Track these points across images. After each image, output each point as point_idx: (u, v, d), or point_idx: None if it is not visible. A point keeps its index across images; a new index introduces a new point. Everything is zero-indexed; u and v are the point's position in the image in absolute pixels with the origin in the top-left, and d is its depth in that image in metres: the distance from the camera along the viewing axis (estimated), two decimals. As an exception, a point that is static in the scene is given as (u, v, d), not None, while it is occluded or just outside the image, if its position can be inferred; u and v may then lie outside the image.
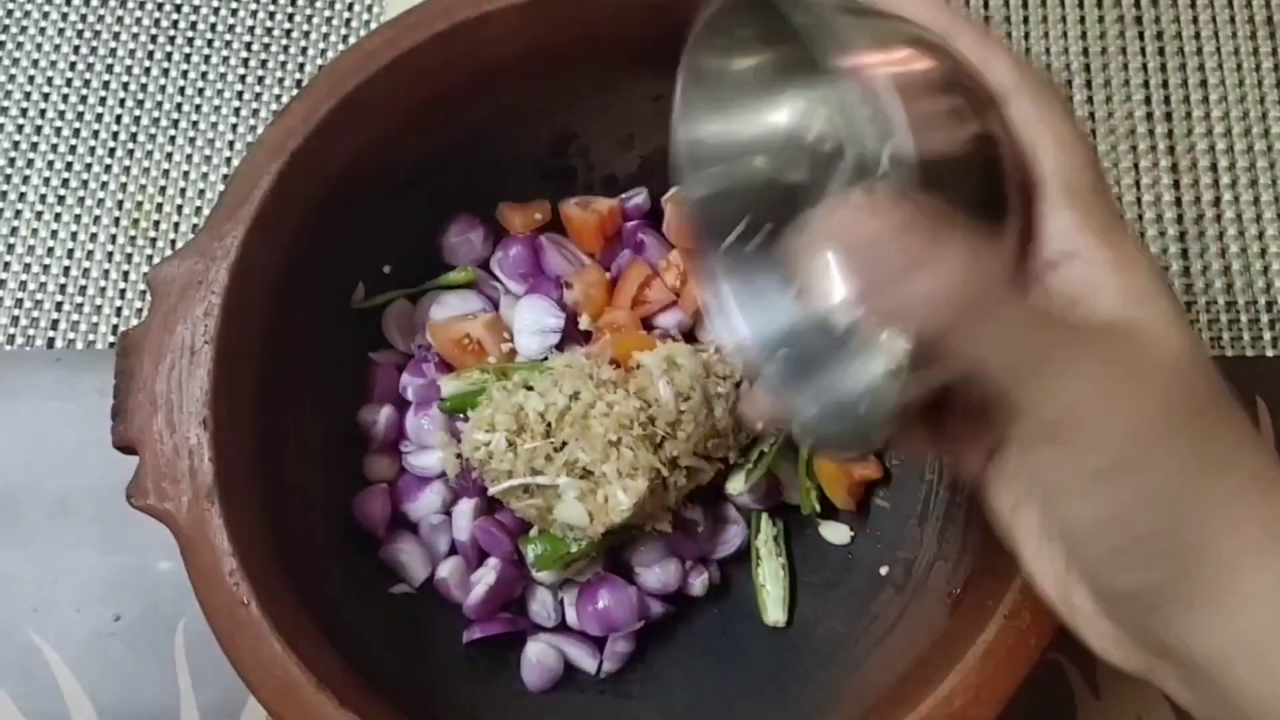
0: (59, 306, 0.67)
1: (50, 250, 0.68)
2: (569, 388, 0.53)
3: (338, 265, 0.58)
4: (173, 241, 0.68)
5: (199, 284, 0.49)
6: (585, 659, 0.57)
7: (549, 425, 0.53)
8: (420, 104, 0.55)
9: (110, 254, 0.68)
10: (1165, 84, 0.71)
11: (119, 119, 0.70)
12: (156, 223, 0.69)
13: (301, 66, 0.71)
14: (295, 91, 0.69)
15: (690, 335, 0.61)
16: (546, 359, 0.58)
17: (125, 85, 0.71)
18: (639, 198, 0.62)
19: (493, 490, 0.54)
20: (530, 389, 0.54)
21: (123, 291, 0.68)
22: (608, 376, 0.54)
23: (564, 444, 0.53)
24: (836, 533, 0.59)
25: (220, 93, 0.71)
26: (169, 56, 0.72)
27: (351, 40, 0.72)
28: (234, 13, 0.72)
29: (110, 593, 0.63)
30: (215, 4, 0.72)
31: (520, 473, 0.53)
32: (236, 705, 0.61)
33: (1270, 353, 0.66)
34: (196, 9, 0.72)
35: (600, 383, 0.54)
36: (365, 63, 0.52)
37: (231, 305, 0.50)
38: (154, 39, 0.72)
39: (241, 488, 0.49)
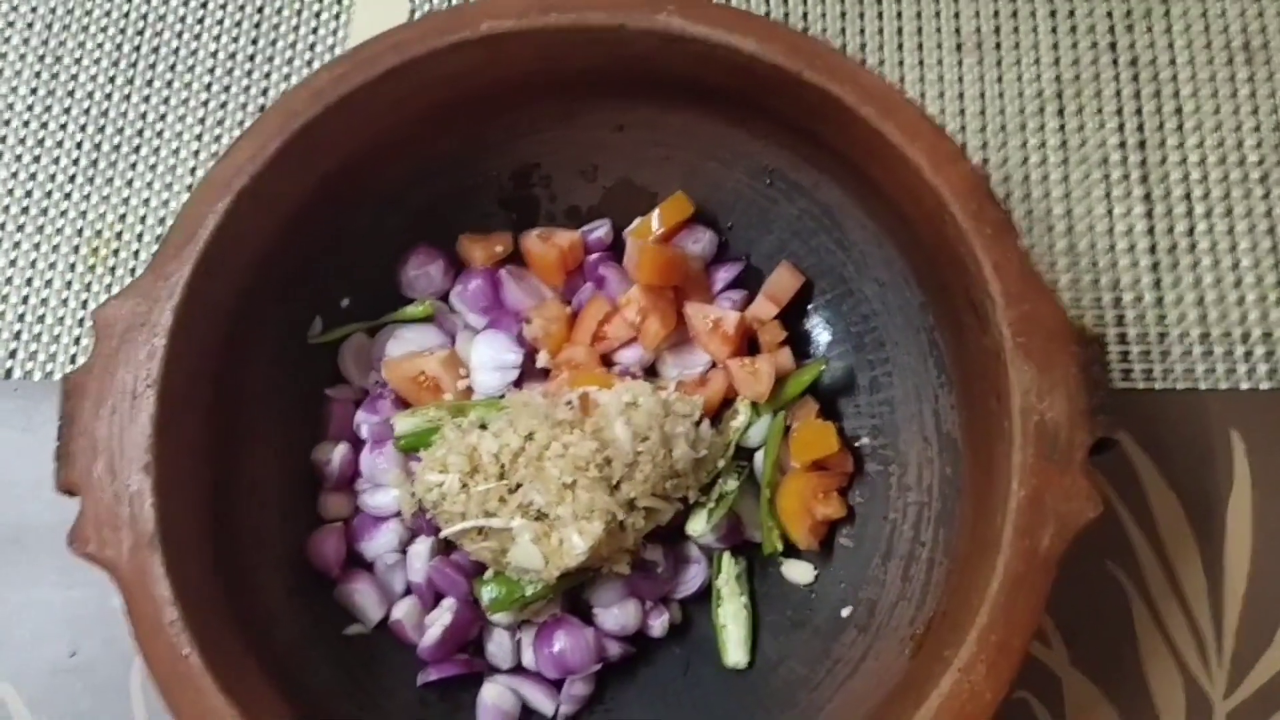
0: (17, 336, 0.66)
1: (9, 279, 0.67)
2: (524, 427, 0.53)
3: (293, 300, 0.57)
4: (133, 270, 0.67)
5: (141, 325, 0.48)
6: (543, 701, 0.56)
7: (503, 466, 0.52)
8: (374, 139, 0.55)
9: (69, 283, 0.67)
10: (1139, 111, 0.70)
11: (80, 145, 0.69)
12: (116, 251, 0.68)
13: (265, 92, 0.71)
14: (253, 121, 0.68)
15: (651, 371, 0.60)
16: (503, 396, 0.57)
17: (87, 110, 0.70)
18: (601, 230, 0.61)
19: (445, 532, 0.53)
20: (485, 428, 0.54)
21: (81, 321, 0.67)
22: (564, 416, 0.53)
23: (518, 485, 0.52)
24: (799, 572, 0.58)
25: (182, 118, 0.70)
26: (131, 82, 0.71)
27: (315, 64, 0.71)
28: (197, 37, 0.72)
29: (66, 628, 0.62)
30: (178, 31, 0.72)
31: (473, 514, 0.52)
32: (192, 745, 0.60)
33: (1244, 385, 0.65)
34: (159, 35, 0.72)
35: (556, 423, 0.53)
36: (314, 101, 0.51)
37: (176, 347, 0.49)
38: (116, 64, 0.71)
39: (186, 533, 0.48)
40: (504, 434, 0.53)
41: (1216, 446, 0.64)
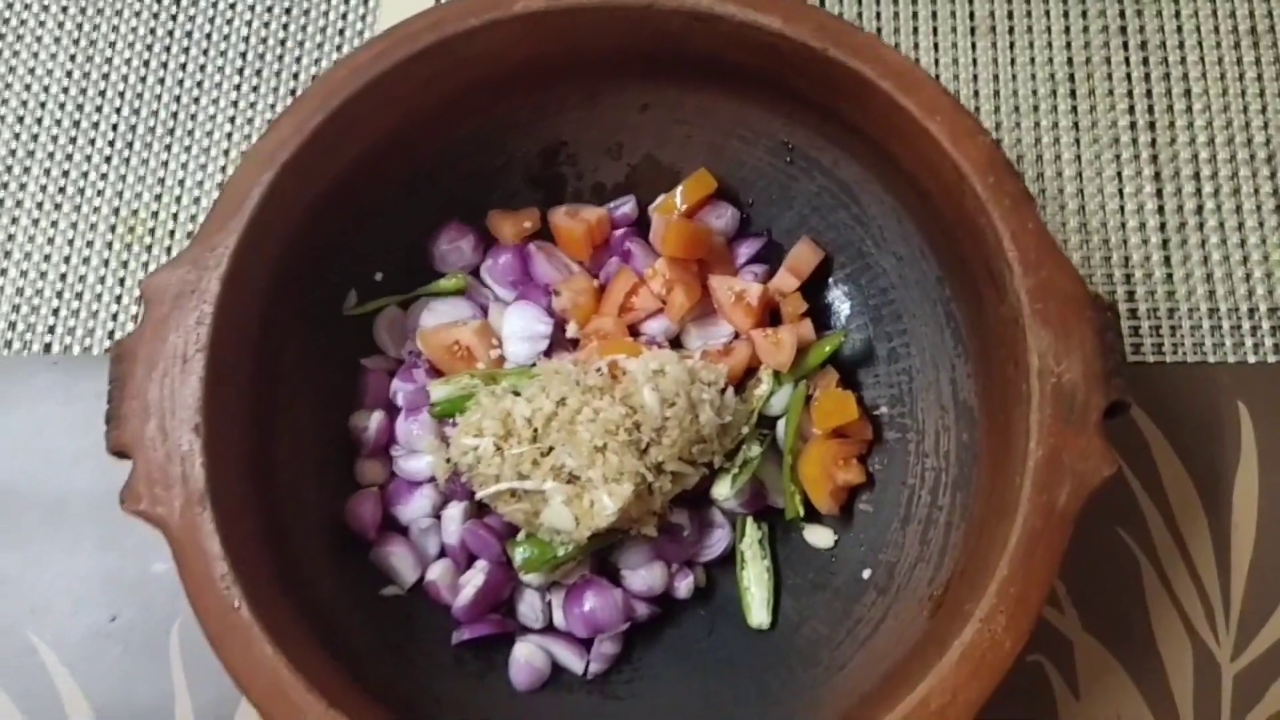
0: (56, 312, 0.68)
1: (48, 256, 0.69)
2: (556, 393, 0.54)
3: (329, 273, 0.59)
4: (168, 249, 0.69)
5: (191, 293, 0.50)
6: (573, 660, 0.58)
7: (536, 431, 0.54)
8: (409, 116, 0.56)
9: (107, 260, 0.69)
10: (1149, 93, 0.71)
11: (115, 127, 0.71)
12: (152, 229, 0.70)
13: (296, 75, 0.72)
14: (289, 101, 0.70)
15: (676, 342, 0.62)
16: (534, 365, 0.59)
17: (122, 94, 0.72)
18: (627, 206, 0.63)
19: (480, 494, 0.55)
20: (518, 394, 0.55)
21: (119, 298, 0.68)
22: (594, 383, 0.55)
23: (550, 449, 0.54)
24: (820, 536, 0.60)
25: (215, 101, 0.72)
26: (165, 65, 0.73)
27: (345, 50, 0.73)
28: (229, 22, 0.73)
29: (106, 594, 0.64)
30: (210, 14, 0.73)
31: (507, 477, 0.54)
32: (230, 705, 0.62)
33: (1252, 359, 0.67)
34: (192, 19, 0.73)
35: (587, 389, 0.55)
36: (353, 77, 0.53)
37: (223, 314, 0.50)
38: (150, 48, 0.73)
39: (233, 493, 0.50)
40: (536, 399, 0.54)
41: (1224, 418, 0.66)
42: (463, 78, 0.56)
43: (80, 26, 0.73)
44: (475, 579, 0.57)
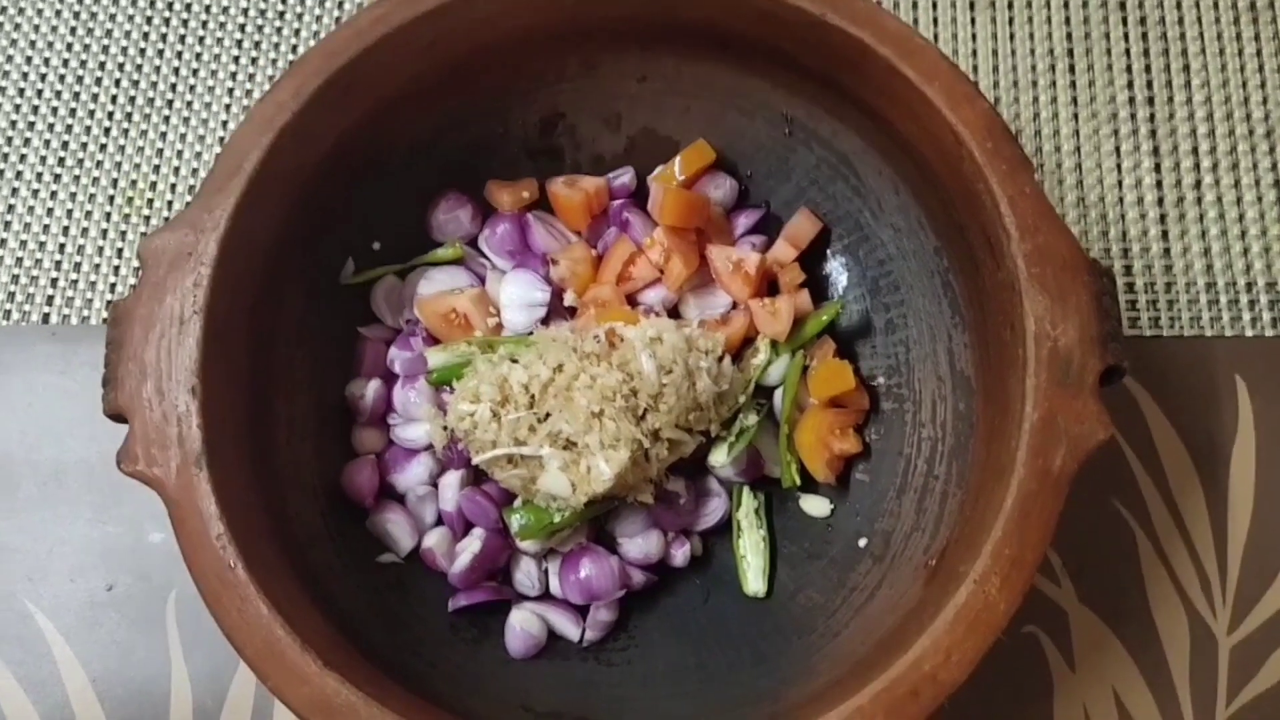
0: (54, 283, 0.68)
1: (46, 227, 0.69)
2: (553, 360, 0.54)
3: (327, 241, 0.59)
4: (166, 219, 0.69)
5: (188, 255, 0.50)
6: (569, 627, 0.58)
7: (533, 397, 0.54)
8: (409, 82, 0.56)
9: (105, 231, 0.69)
10: (1148, 68, 0.71)
11: (114, 98, 0.71)
12: (150, 200, 0.70)
13: (294, 47, 0.72)
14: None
15: (674, 311, 0.62)
16: (532, 333, 0.59)
17: (121, 66, 0.72)
18: (625, 177, 0.63)
19: (477, 460, 0.55)
20: (515, 361, 0.55)
21: (117, 268, 0.69)
22: (591, 349, 0.55)
23: (547, 415, 0.54)
24: (817, 506, 0.60)
25: (214, 72, 0.72)
26: (164, 36, 0.73)
27: (342, 19, 0.73)
28: (228, -6, 0.73)
29: (103, 563, 0.64)
30: (210, -14, 0.74)
31: (504, 443, 0.54)
32: (227, 673, 0.62)
33: (1250, 332, 0.67)
34: (191, -9, 0.73)
35: (584, 355, 0.55)
36: (354, 40, 0.53)
37: (220, 277, 0.50)
38: (149, 20, 0.73)
39: (230, 455, 0.50)
40: (533, 366, 0.54)
41: (1222, 391, 0.66)
42: (463, 43, 0.56)
43: (81, 1, 0.73)
44: (472, 546, 0.57)
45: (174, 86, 0.72)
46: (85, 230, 0.69)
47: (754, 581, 0.58)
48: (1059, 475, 0.47)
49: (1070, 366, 0.48)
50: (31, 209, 0.69)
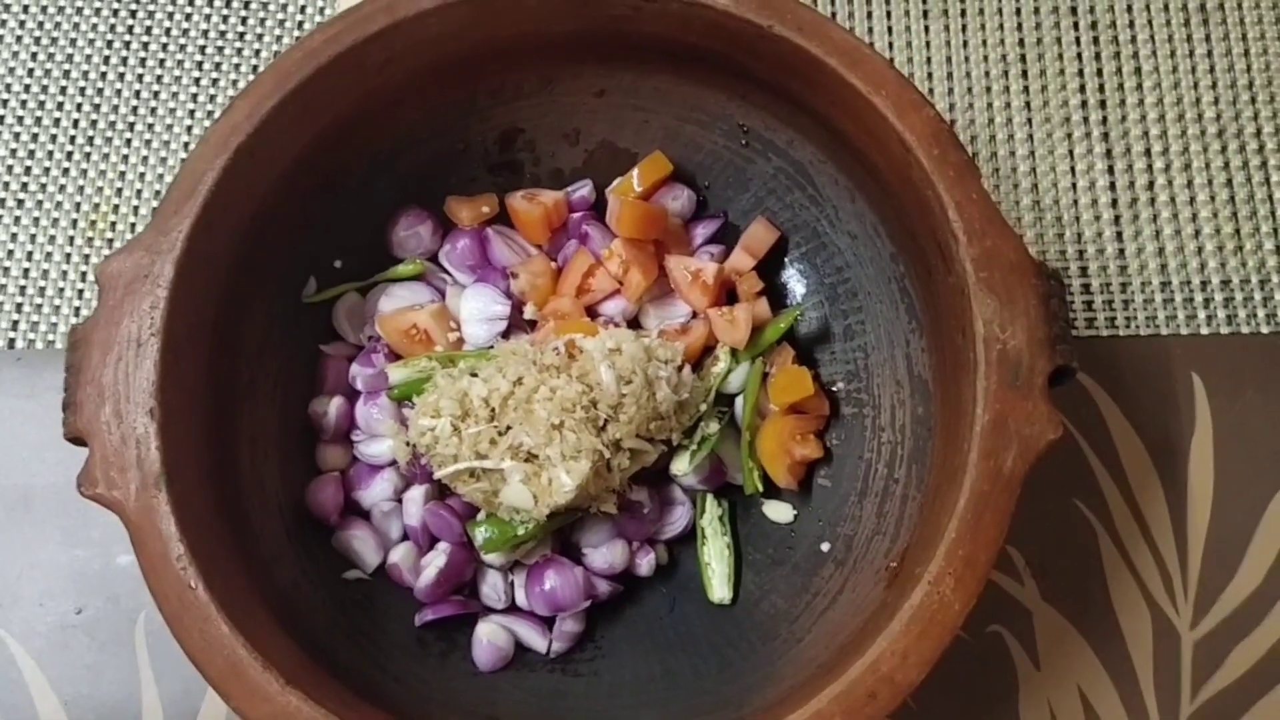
0: (19, 307, 0.68)
1: (10, 252, 0.69)
2: (513, 373, 0.55)
3: (288, 260, 0.59)
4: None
5: (145, 278, 0.50)
6: (535, 638, 0.58)
7: (493, 410, 0.54)
8: (364, 100, 0.57)
9: (69, 255, 0.69)
10: (1099, 72, 0.72)
11: (75, 122, 0.72)
12: (114, 224, 0.70)
13: (255, 68, 0.73)
14: (247, 91, 0.70)
15: (634, 323, 0.62)
16: (493, 347, 0.59)
17: (81, 89, 0.72)
18: (584, 190, 0.63)
19: (438, 474, 0.55)
20: (475, 375, 0.56)
21: (80, 292, 0.69)
22: (551, 361, 0.55)
23: (508, 428, 0.54)
24: (780, 511, 0.60)
25: (175, 94, 0.72)
26: (124, 59, 0.73)
27: (303, 41, 0.73)
28: (188, 16, 0.74)
29: (72, 586, 0.64)
30: (170, 8, 0.74)
31: (465, 457, 0.54)
32: (198, 693, 0.62)
33: (1205, 330, 0.68)
34: (151, 14, 0.74)
35: (543, 368, 0.55)
36: (307, 61, 0.53)
37: (178, 298, 0.51)
38: (109, 43, 0.73)
39: (191, 475, 0.50)
40: (493, 379, 0.55)
41: (1179, 389, 0.67)
42: (418, 61, 0.57)
43: (42, 25, 0.73)
44: (437, 560, 0.57)
45: (135, 109, 0.72)
46: (49, 254, 0.69)
47: (719, 589, 0.59)
48: (1010, 476, 0.48)
49: (1020, 368, 0.49)
50: (-6, 234, 0.69)
